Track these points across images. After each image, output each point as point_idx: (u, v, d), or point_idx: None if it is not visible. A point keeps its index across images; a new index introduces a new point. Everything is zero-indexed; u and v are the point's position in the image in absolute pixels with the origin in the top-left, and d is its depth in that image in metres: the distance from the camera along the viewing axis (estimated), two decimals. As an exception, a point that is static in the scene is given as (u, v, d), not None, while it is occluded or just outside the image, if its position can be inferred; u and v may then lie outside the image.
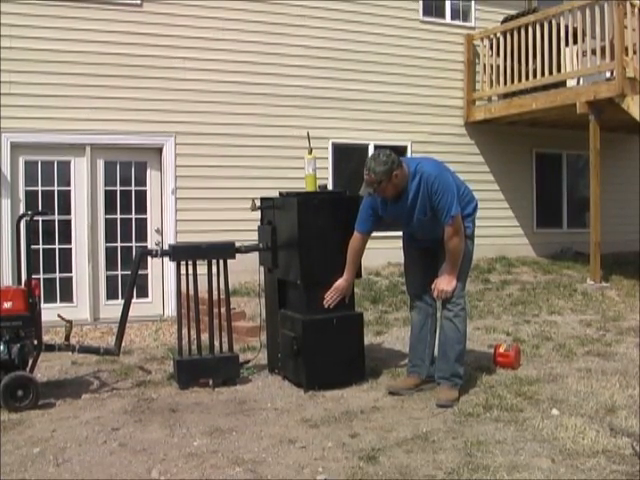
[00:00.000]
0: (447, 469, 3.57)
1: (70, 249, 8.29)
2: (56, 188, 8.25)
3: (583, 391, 4.85)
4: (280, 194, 5.39)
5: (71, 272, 8.28)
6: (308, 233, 5.05)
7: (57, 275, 8.22)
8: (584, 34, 9.08)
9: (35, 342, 4.94)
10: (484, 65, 10.74)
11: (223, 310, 5.43)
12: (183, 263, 5.32)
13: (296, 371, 5.17)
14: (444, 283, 4.70)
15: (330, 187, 8.90)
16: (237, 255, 5.43)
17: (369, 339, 6.26)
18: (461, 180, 4.96)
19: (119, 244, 8.50)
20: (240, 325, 6.99)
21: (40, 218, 7.79)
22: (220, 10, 9.00)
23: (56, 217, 8.20)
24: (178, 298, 5.55)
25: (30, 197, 8.08)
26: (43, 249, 8.09)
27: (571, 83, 9.75)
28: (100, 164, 8.42)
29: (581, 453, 3.73)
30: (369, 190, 4.58)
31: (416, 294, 5.05)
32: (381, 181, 4.53)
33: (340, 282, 5.01)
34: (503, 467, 3.56)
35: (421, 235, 4.90)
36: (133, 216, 8.63)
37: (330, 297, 5.00)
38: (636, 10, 8.62)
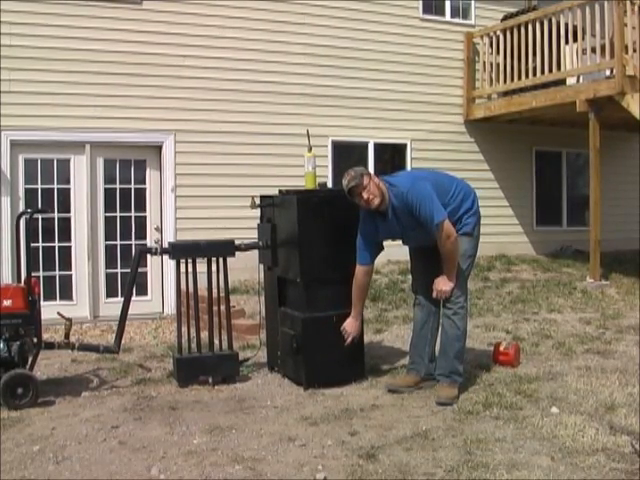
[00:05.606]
0: (447, 467, 3.57)
1: (70, 247, 8.29)
2: (56, 186, 8.25)
3: (583, 389, 4.86)
4: (280, 192, 5.39)
5: (71, 270, 8.28)
6: (308, 231, 5.05)
7: (57, 273, 8.21)
8: (584, 32, 9.07)
9: (35, 340, 4.94)
10: (484, 63, 10.73)
11: (223, 308, 5.42)
12: (183, 261, 5.32)
13: (296, 369, 5.17)
14: (442, 283, 4.71)
15: (330, 185, 8.90)
16: (237, 253, 5.43)
17: (369, 337, 6.26)
18: (453, 178, 4.96)
19: (119, 242, 8.49)
20: (240, 323, 6.99)
21: (40, 216, 7.79)
22: (220, 8, 8.99)
23: (56, 215, 8.20)
24: (178, 296, 5.54)
25: (30, 195, 8.08)
26: (43, 247, 8.08)
27: (571, 81, 9.73)
28: (100, 162, 8.42)
29: (581, 451, 3.73)
30: (356, 181, 4.58)
31: (420, 292, 5.05)
32: (361, 182, 4.56)
33: (349, 321, 4.97)
34: (502, 465, 3.56)
35: (420, 244, 4.91)
36: (133, 214, 8.63)
37: (346, 337, 4.97)
38: (636, 8, 8.61)
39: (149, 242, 8.59)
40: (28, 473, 3.62)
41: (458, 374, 4.81)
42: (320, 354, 5.03)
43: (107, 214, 8.45)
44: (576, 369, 5.42)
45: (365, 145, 10.07)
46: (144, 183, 8.73)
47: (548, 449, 3.78)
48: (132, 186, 8.64)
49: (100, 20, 8.32)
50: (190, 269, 5.29)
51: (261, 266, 5.71)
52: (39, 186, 8.15)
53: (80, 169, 8.32)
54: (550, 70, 9.53)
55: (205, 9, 8.90)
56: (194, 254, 5.33)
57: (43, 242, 8.08)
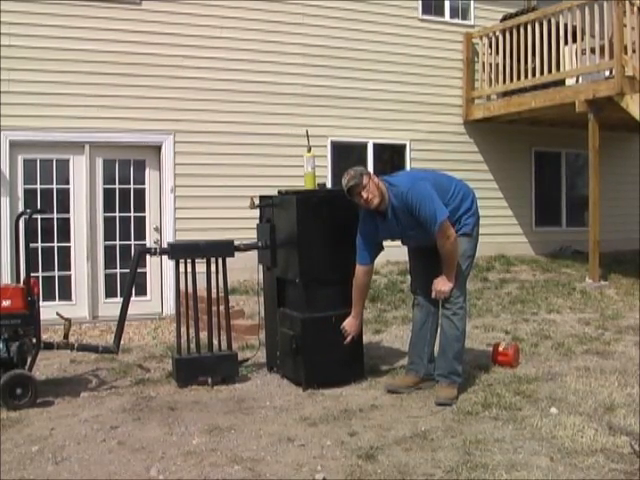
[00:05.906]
0: (446, 467, 3.57)
1: (69, 247, 8.28)
2: (55, 186, 8.24)
3: (582, 390, 4.86)
4: (279, 192, 5.39)
5: (70, 270, 8.28)
6: (307, 231, 5.05)
7: (56, 273, 8.20)
8: (583, 32, 9.07)
9: (34, 340, 4.94)
10: (483, 63, 10.73)
11: (222, 308, 5.42)
12: (182, 261, 5.32)
13: (295, 369, 5.17)
14: (441, 284, 4.71)
15: (329, 185, 8.90)
16: (236, 253, 5.42)
17: (368, 337, 6.25)
18: (452, 178, 4.96)
19: (118, 242, 8.48)
20: (239, 323, 6.99)
21: (39, 216, 7.79)
22: (218, 8, 8.99)
23: (55, 215, 8.20)
24: (177, 296, 5.55)
25: (29, 195, 8.07)
26: (42, 247, 8.07)
27: (570, 82, 9.73)
28: (99, 162, 8.41)
29: (580, 452, 3.74)
30: (355, 181, 4.58)
31: (419, 292, 5.04)
32: (360, 182, 4.57)
33: (349, 320, 4.98)
34: (502, 466, 3.56)
35: (419, 244, 4.91)
36: (132, 214, 8.62)
37: (346, 336, 4.98)
38: (635, 9, 8.61)
39: (148, 242, 8.59)
40: (27, 473, 3.62)
41: (457, 374, 4.81)
42: (319, 354, 5.03)
43: (106, 214, 8.45)
44: (575, 370, 5.42)
45: (364, 145, 10.07)
46: (143, 183, 8.72)
47: (547, 449, 3.78)
48: (131, 186, 8.64)
49: (100, 20, 8.31)
50: (189, 269, 5.28)
51: (260, 266, 5.71)
52: (38, 186, 8.15)
53: (79, 169, 8.31)
54: (549, 71, 9.54)
55: (203, 9, 8.88)
56: (193, 254, 5.33)
57: (42, 242, 8.07)
